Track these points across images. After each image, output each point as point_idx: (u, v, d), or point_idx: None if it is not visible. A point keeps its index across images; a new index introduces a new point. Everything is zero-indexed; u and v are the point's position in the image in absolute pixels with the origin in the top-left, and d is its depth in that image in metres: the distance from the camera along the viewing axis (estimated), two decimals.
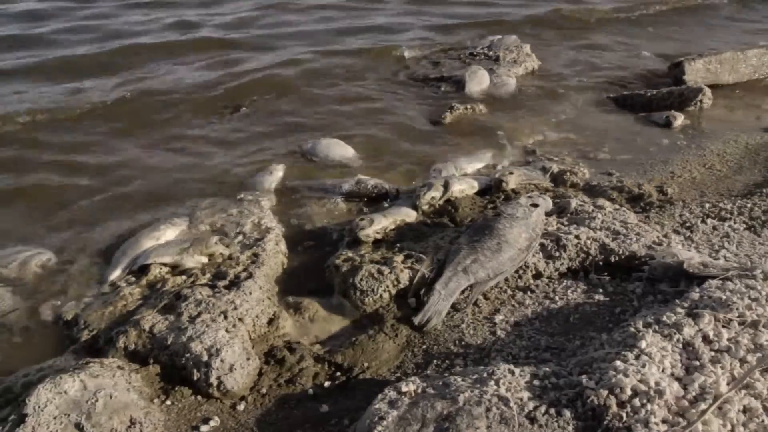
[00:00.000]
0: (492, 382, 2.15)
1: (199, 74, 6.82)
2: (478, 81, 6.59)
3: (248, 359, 2.57)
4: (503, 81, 6.70)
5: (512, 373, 2.21)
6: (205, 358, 2.51)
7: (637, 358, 2.18)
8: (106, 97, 5.95)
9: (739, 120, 5.60)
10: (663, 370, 2.12)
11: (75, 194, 4.24)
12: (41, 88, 6.31)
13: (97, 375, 2.38)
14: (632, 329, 2.37)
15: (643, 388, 2.00)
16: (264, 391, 2.50)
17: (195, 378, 2.49)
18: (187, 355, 2.54)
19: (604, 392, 2.00)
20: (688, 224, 3.54)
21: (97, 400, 2.25)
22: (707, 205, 3.75)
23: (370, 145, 5.03)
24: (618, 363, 2.14)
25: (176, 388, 2.50)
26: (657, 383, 2.02)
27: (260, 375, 2.57)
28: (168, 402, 2.45)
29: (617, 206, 3.71)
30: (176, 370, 2.57)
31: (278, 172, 4.49)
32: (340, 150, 4.89)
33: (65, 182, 4.41)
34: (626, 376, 2.05)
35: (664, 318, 2.40)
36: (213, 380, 2.46)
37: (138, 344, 2.70)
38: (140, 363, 2.64)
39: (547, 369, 2.25)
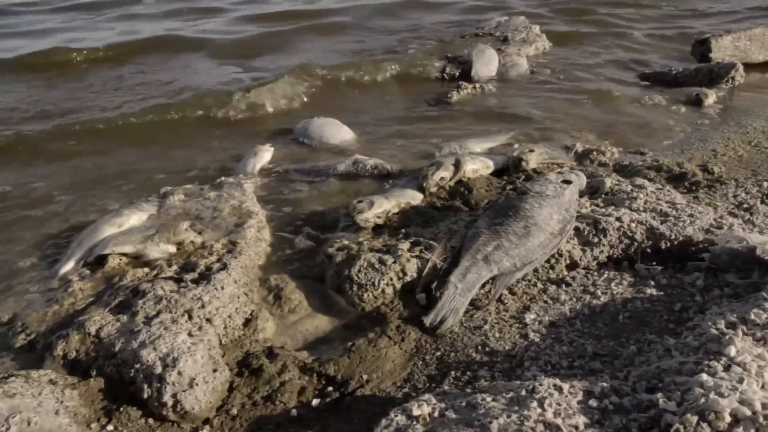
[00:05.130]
0: (534, 403, 1.60)
1: None
2: (486, 61, 6.11)
3: (215, 371, 2.01)
4: (513, 61, 6.22)
5: (559, 390, 1.66)
6: (159, 369, 1.96)
7: (727, 369, 1.63)
8: None
9: None
10: (764, 387, 1.58)
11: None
12: None
13: (15, 394, 1.83)
14: (714, 330, 1.81)
15: (747, 412, 1.45)
16: (235, 411, 1.95)
17: (145, 395, 1.94)
18: (137, 365, 1.99)
19: (693, 418, 1.45)
20: (745, 205, 3.00)
21: (8, 428, 1.70)
22: (765, 184, 3.21)
23: (369, 125, 4.51)
24: (704, 377, 1.59)
25: (122, 409, 1.95)
26: (765, 406, 1.47)
27: (231, 390, 2.02)
28: (110, 427, 1.89)
29: (659, 186, 3.16)
30: (124, 385, 2.02)
31: (265, 153, 3.97)
32: (336, 130, 4.38)
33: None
34: (721, 395, 1.50)
35: (752, 316, 1.86)
36: (167, 399, 1.90)
37: (81, 351, 2.17)
38: (82, 375, 2.10)
39: (604, 384, 1.70)
